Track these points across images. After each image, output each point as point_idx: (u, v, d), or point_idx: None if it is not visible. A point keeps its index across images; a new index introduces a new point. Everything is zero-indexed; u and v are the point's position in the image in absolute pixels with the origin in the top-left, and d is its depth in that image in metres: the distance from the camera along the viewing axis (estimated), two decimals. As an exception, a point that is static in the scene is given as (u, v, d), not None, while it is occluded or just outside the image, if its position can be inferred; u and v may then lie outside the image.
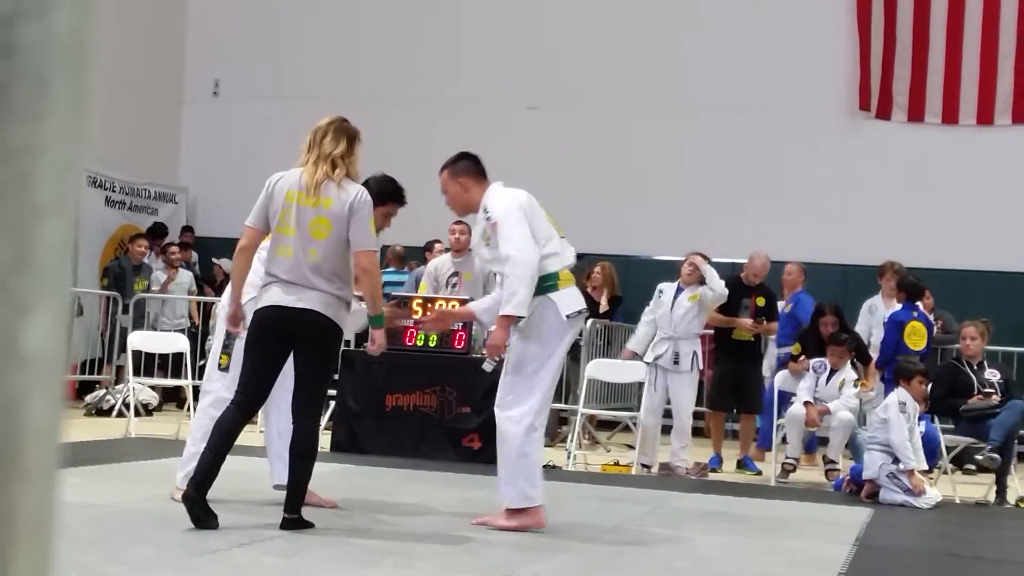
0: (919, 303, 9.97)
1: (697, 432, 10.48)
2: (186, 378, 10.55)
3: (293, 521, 5.37)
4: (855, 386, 9.12)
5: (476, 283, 10.10)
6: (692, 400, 9.32)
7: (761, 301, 10.03)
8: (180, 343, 10.74)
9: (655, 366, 9.31)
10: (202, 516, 5.24)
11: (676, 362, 9.22)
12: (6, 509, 0.75)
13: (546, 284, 5.80)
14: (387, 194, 6.34)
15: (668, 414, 9.46)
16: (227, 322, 5.77)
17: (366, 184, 6.08)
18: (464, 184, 6.09)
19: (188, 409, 10.36)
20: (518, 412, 5.71)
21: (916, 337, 9.42)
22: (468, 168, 6.14)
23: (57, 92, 0.73)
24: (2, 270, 0.72)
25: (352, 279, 5.51)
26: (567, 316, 5.77)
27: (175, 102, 16.81)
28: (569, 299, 5.83)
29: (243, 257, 5.64)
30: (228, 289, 5.90)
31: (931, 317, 10.80)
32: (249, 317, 5.54)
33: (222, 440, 5.38)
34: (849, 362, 9.28)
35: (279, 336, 5.40)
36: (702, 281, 9.42)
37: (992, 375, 9.10)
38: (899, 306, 9.89)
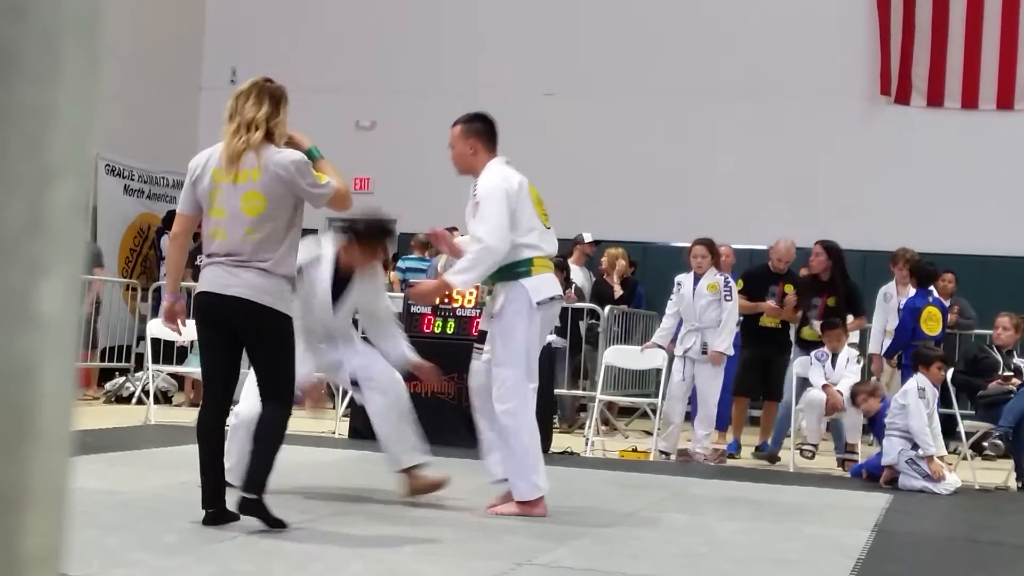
0: (932, 288, 9.93)
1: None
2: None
3: (250, 503, 4.93)
4: (858, 362, 9.11)
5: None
6: (719, 389, 9.31)
7: (789, 288, 9.99)
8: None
9: (684, 357, 9.29)
10: (228, 519, 5.06)
11: (704, 352, 9.20)
12: (19, 473, 0.74)
13: (519, 270, 5.77)
14: (375, 236, 6.12)
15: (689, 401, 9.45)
16: (162, 316, 5.47)
17: (352, 224, 5.92)
18: (473, 146, 6.01)
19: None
20: (512, 404, 5.74)
21: (932, 322, 9.39)
22: (480, 131, 6.06)
23: (68, 54, 0.72)
24: (15, 231, 0.71)
25: (294, 250, 5.18)
26: (537, 303, 5.74)
27: (193, 89, 16.83)
28: (541, 285, 5.80)
29: (175, 246, 5.33)
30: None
31: (948, 303, 10.77)
32: None
33: (207, 447, 5.13)
34: (847, 342, 9.33)
35: (219, 325, 5.07)
36: (716, 266, 9.40)
37: (1021, 362, 9.11)
38: (913, 292, 9.86)
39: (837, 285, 9.86)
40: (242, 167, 5.00)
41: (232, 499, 4.98)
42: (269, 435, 5.09)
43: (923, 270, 9.76)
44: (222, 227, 5.01)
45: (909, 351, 9.29)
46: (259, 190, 4.96)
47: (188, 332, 10.84)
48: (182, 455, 7.97)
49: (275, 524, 4.95)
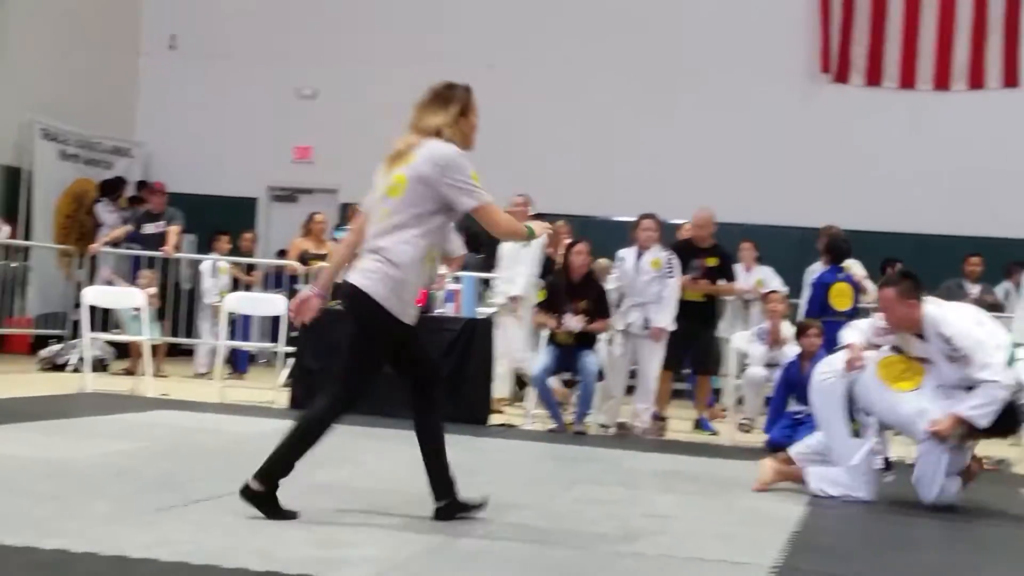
0: (844, 265, 9.97)
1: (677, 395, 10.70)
2: (144, 334, 10.47)
3: (255, 495, 4.78)
4: (796, 340, 9.23)
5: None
6: (660, 364, 9.37)
7: (712, 261, 9.96)
8: (136, 298, 10.64)
9: (626, 332, 9.33)
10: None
11: (646, 327, 9.25)
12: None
13: None
14: None
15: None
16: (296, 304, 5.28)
17: None
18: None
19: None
20: None
21: (842, 298, 9.48)
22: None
23: None
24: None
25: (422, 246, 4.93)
26: None
27: (132, 54, 16.57)
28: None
29: (343, 240, 5.30)
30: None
31: (978, 287, 10.88)
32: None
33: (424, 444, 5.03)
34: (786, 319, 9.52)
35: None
36: (660, 242, 9.46)
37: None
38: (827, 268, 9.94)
39: (718, 248, 10.05)
40: (398, 161, 4.89)
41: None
42: (307, 427, 4.90)
43: (837, 247, 9.81)
44: (370, 213, 4.93)
45: (830, 328, 9.33)
46: (405, 173, 4.82)
47: (130, 299, 10.78)
48: (118, 424, 7.90)
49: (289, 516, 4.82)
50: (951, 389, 6.14)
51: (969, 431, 6.11)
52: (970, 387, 6.08)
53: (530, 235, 5.17)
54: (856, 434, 6.35)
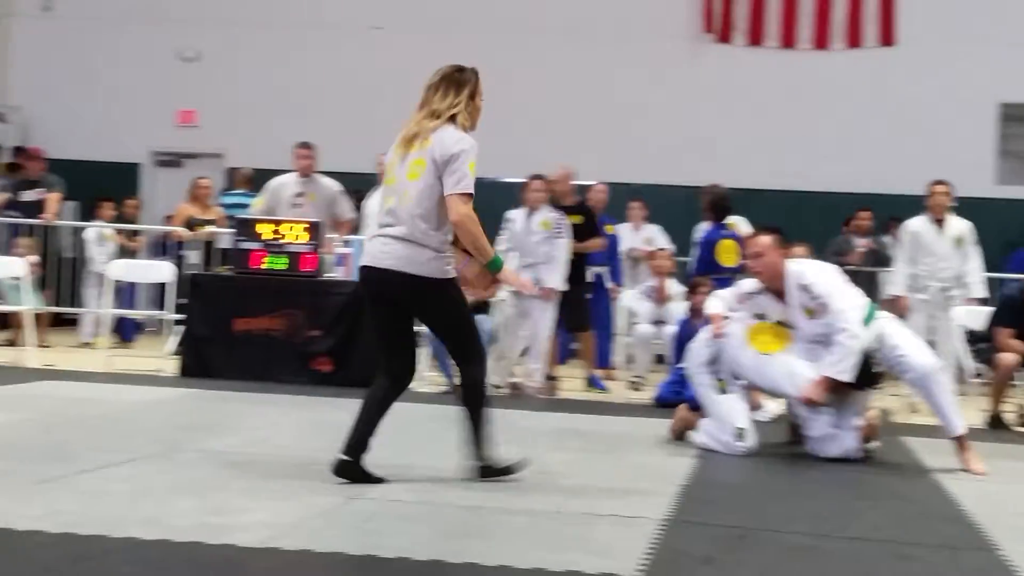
0: (729, 222, 10.11)
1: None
2: (25, 303, 10.24)
3: (487, 470, 5.18)
4: (685, 299, 9.38)
5: (321, 205, 9.99)
6: (551, 324, 9.42)
7: (576, 219, 9.93)
8: (16, 267, 10.38)
9: (517, 293, 9.36)
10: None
11: (537, 287, 9.28)
12: None
13: None
14: None
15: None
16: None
17: None
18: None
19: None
20: None
21: (728, 254, 9.64)
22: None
23: None
24: None
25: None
26: None
27: (3, 15, 16.07)
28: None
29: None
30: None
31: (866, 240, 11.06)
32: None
33: (369, 408, 5.12)
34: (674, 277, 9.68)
35: (378, 299, 5.20)
36: (551, 203, 9.50)
37: None
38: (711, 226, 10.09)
39: (582, 206, 10.19)
40: (413, 143, 5.12)
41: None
42: (475, 397, 5.17)
43: (718, 204, 9.95)
44: (388, 194, 5.14)
45: (719, 285, 9.49)
46: (424, 157, 5.06)
47: (10, 268, 10.51)
48: (1, 395, 7.72)
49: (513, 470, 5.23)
50: (814, 348, 6.34)
51: (838, 388, 6.30)
52: (830, 344, 6.30)
53: (493, 265, 5.24)
54: (723, 391, 6.56)
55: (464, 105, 5.19)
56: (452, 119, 5.13)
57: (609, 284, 11.10)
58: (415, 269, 5.01)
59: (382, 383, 5.15)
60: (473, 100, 5.24)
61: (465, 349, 5.22)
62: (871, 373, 6.37)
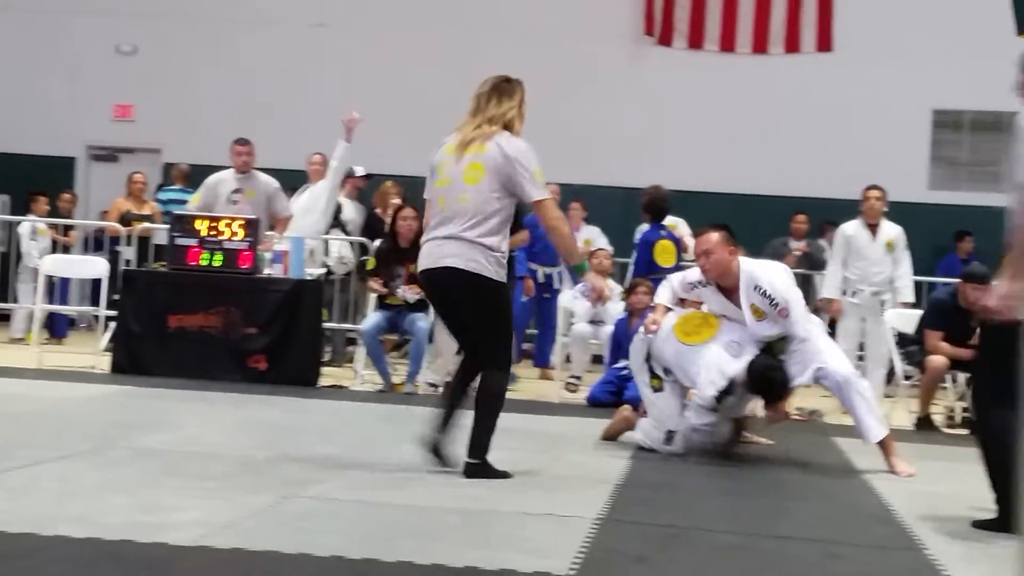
0: (668, 223, 10.20)
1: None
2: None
3: (475, 467, 5.32)
4: (621, 299, 9.43)
5: (258, 202, 9.92)
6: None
7: None
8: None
9: None
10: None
11: None
12: None
13: None
14: None
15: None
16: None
17: None
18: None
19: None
20: None
21: (666, 255, 9.72)
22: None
23: None
24: None
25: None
26: None
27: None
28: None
29: None
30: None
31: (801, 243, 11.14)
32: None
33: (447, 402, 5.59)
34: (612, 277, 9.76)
35: (438, 297, 5.62)
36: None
37: None
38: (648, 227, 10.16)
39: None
40: (470, 147, 5.40)
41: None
42: (491, 400, 5.38)
43: (656, 205, 10.02)
44: (441, 195, 5.38)
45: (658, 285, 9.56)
46: (480, 162, 5.33)
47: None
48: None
49: (502, 476, 5.36)
50: (741, 344, 6.33)
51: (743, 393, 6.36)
52: (764, 345, 6.33)
53: (580, 268, 5.70)
54: (657, 390, 6.55)
55: (517, 112, 5.50)
56: (507, 126, 5.42)
57: (558, 286, 11.17)
58: (472, 267, 5.24)
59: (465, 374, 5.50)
60: (520, 108, 5.54)
61: (496, 354, 5.40)
62: (780, 379, 6.37)
